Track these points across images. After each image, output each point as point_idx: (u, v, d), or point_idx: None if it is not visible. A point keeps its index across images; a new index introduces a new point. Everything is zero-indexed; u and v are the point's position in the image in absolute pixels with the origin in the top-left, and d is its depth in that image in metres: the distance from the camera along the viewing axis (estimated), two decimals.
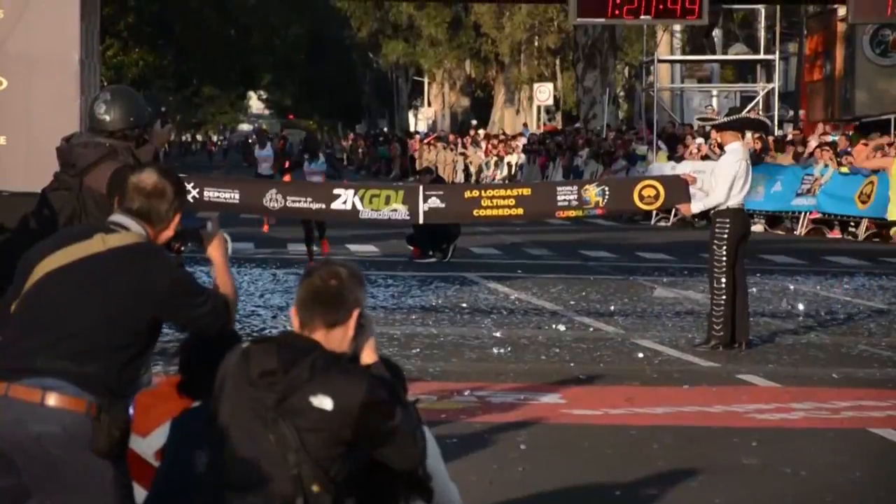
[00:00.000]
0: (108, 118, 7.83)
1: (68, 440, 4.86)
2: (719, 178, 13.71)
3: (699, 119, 15.12)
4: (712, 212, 13.74)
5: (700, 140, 35.02)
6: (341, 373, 4.55)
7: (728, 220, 13.56)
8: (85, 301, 5.01)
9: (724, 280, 13.51)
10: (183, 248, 5.59)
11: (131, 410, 5.21)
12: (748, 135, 29.53)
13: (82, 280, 5.04)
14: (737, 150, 13.80)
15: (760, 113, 38.63)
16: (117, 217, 5.17)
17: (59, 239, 5.26)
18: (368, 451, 4.61)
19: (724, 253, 13.52)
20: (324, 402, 4.50)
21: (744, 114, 16.24)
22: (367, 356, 4.72)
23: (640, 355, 13.20)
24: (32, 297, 5.04)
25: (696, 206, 14.00)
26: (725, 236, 13.54)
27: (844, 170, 29.18)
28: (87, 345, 4.93)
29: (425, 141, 57.83)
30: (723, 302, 13.53)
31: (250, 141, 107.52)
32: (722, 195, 13.59)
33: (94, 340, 4.94)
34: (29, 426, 4.86)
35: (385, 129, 73.29)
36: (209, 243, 5.34)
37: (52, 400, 4.87)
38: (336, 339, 4.62)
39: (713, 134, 14.66)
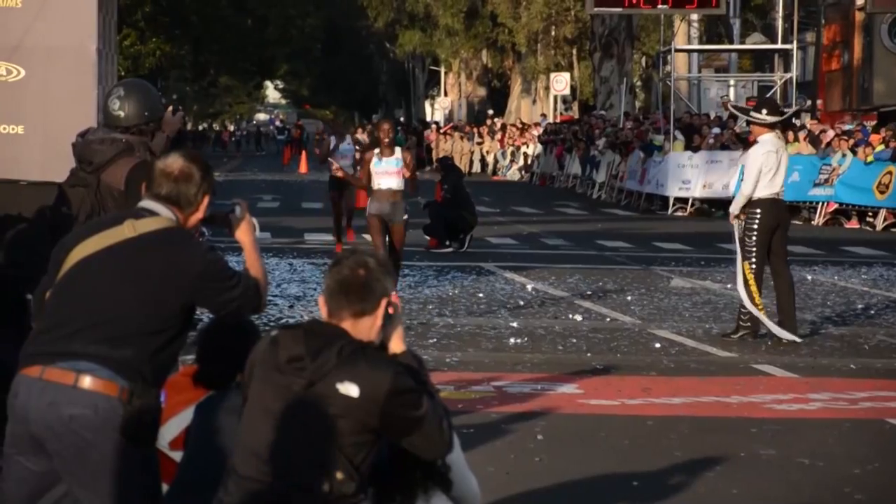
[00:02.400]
0: (122, 114, 7.84)
1: (100, 423, 4.89)
2: (747, 170, 13.78)
3: (734, 107, 14.95)
4: (747, 202, 13.67)
5: (717, 129, 34.95)
6: (368, 361, 4.56)
7: (759, 210, 13.53)
8: (118, 287, 5.04)
9: (753, 271, 13.47)
10: (202, 238, 5.60)
11: (162, 398, 5.23)
12: None
13: (115, 266, 5.07)
14: (767, 142, 13.77)
15: (778, 102, 38.52)
16: (146, 203, 5.19)
17: (91, 227, 5.29)
18: (395, 440, 4.61)
19: (755, 243, 13.47)
20: (350, 390, 4.52)
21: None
22: (396, 345, 4.72)
23: (657, 345, 13.19)
24: (66, 284, 5.07)
25: (733, 207, 13.92)
26: (756, 226, 13.51)
27: (870, 158, 29.12)
28: (122, 330, 4.97)
29: (441, 131, 57.83)
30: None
31: (274, 129, 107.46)
32: (749, 187, 13.60)
33: (128, 326, 4.97)
34: (62, 408, 4.90)
35: (401, 119, 73.30)
36: (238, 227, 5.35)
37: (85, 382, 4.91)
38: (364, 328, 4.62)
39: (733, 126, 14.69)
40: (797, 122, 35.93)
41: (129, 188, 7.55)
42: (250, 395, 4.66)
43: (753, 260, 13.50)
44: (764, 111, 13.89)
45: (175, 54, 59.87)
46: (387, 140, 14.67)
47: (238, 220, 5.34)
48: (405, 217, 14.56)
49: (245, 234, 5.33)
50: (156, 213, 5.14)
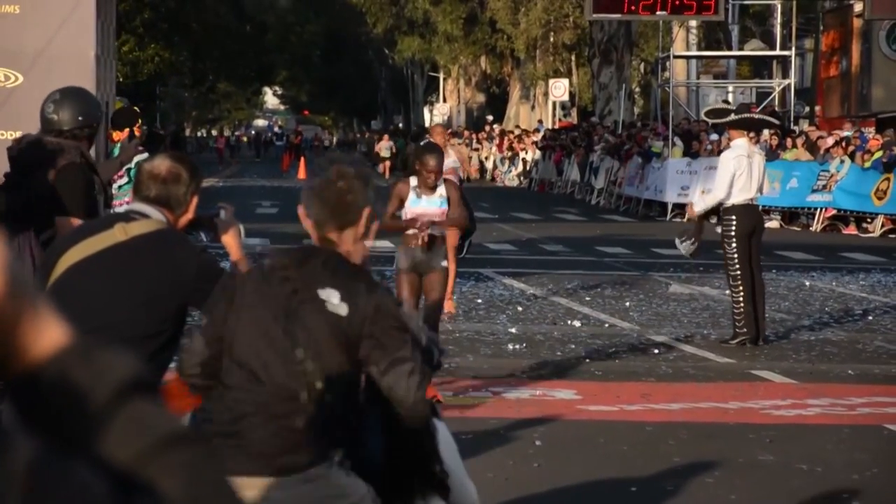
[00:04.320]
0: (56, 118, 7.89)
1: None
2: (718, 174, 13.85)
3: (707, 112, 15.00)
4: (721, 209, 13.77)
5: (714, 136, 34.97)
6: (353, 274, 4.56)
7: (734, 217, 13.60)
8: (112, 291, 5.02)
9: (739, 276, 13.55)
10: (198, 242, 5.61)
11: None
12: (765, 131, 29.47)
13: (107, 270, 5.06)
14: (739, 147, 13.83)
15: (777, 109, 38.54)
16: (136, 206, 5.19)
17: (80, 232, 5.28)
18: (365, 366, 4.57)
19: (735, 250, 13.55)
20: (331, 296, 4.52)
21: (759, 110, 16.29)
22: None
23: (656, 351, 13.19)
24: (57, 290, 5.05)
25: (698, 207, 14.12)
26: (733, 233, 13.59)
27: (866, 164, 29.20)
28: (117, 334, 4.95)
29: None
30: (741, 298, 13.54)
31: (270, 137, 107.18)
32: (722, 191, 13.66)
33: (123, 330, 4.96)
34: None
35: (400, 125, 73.33)
36: (224, 231, 5.36)
37: None
38: (348, 240, 4.62)
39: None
40: (795, 129, 35.95)
41: (57, 189, 7.64)
42: (241, 308, 4.62)
43: (737, 267, 13.57)
44: (733, 114, 14.10)
45: (174, 60, 59.90)
46: (430, 182, 10.93)
47: (224, 224, 5.36)
48: (444, 263, 11.21)
49: (231, 237, 5.35)
50: (146, 216, 5.14)
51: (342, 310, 4.53)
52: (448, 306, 14.08)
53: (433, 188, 10.95)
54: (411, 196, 10.99)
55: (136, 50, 55.43)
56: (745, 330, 13.55)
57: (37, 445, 1.46)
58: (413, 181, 11.00)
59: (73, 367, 1.54)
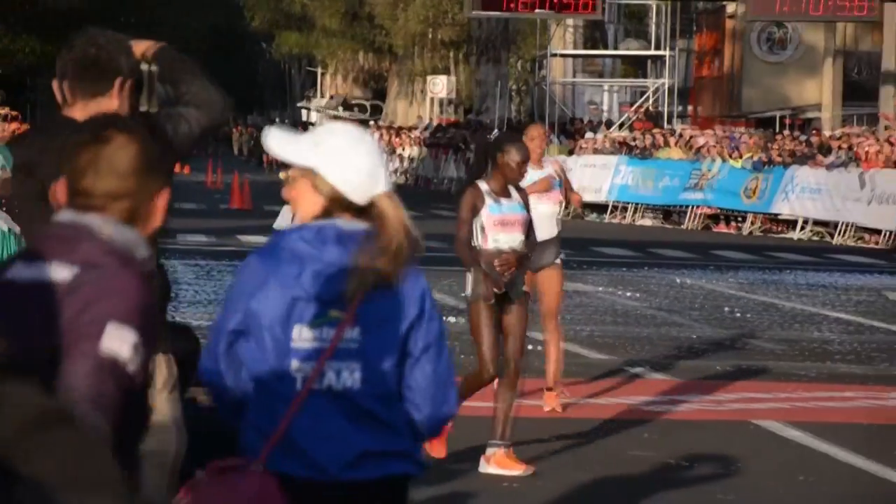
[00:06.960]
0: None
1: None
2: None
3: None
4: None
5: (590, 134, 35.39)
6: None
7: None
8: None
9: None
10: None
11: None
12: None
13: None
14: None
15: (651, 108, 39.05)
16: None
17: None
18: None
19: None
20: None
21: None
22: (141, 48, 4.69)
23: (529, 347, 13.30)
24: None
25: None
26: None
27: (735, 163, 29.73)
28: None
29: None
30: None
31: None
32: None
33: None
34: None
35: (277, 121, 72.99)
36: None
37: None
38: (96, 110, 4.49)
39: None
40: (669, 127, 36.43)
41: None
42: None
43: None
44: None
45: (49, 51, 59.09)
46: (517, 179, 8.65)
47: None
48: (526, 289, 8.96)
49: None
50: None
51: None
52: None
53: (516, 187, 8.66)
54: (488, 203, 8.54)
55: (4, 39, 54.65)
56: None
57: None
58: (484, 185, 8.58)
59: None
